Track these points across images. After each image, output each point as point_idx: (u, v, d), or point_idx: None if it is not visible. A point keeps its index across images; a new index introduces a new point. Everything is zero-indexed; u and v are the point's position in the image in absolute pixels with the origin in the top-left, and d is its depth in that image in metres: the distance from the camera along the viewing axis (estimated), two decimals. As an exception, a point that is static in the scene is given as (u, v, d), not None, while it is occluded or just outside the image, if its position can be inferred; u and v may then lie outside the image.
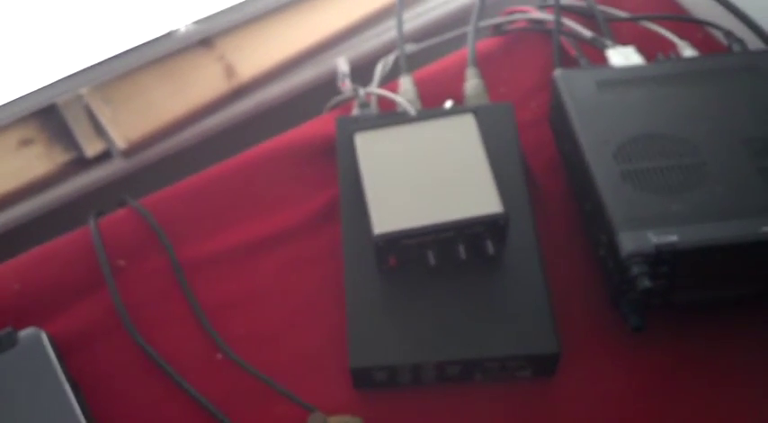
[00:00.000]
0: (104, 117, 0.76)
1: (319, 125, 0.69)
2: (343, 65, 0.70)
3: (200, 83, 0.78)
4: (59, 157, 0.75)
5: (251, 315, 0.61)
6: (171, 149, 0.77)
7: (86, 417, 0.53)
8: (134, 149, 0.76)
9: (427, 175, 0.57)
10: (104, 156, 0.76)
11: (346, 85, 0.69)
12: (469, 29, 0.73)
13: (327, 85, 0.79)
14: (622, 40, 0.70)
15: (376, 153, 0.59)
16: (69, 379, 0.55)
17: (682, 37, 0.69)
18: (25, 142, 0.75)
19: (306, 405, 0.55)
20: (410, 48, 0.73)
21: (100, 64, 0.77)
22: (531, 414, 0.56)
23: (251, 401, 0.57)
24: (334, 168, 0.65)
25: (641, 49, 0.67)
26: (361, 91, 0.67)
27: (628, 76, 0.63)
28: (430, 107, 0.67)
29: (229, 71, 0.79)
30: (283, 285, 0.62)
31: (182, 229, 0.65)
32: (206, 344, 0.59)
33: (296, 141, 0.68)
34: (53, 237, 0.66)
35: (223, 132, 0.79)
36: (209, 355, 0.59)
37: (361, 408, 0.56)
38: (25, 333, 0.56)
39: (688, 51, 0.67)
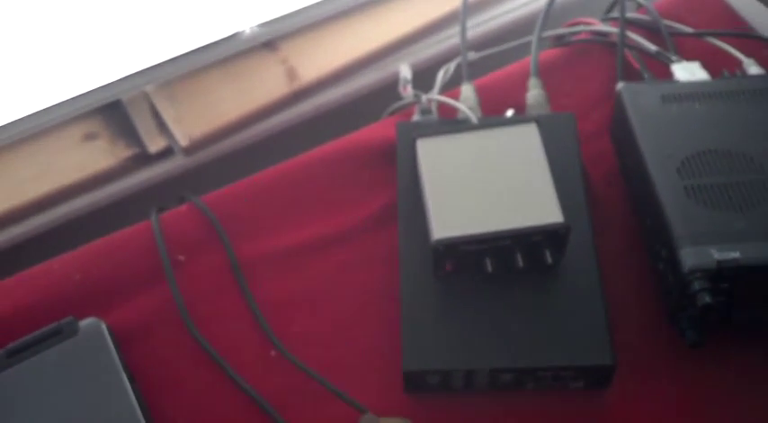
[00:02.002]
0: (168, 115, 0.78)
1: (379, 130, 0.70)
2: (405, 71, 0.70)
3: (263, 84, 0.79)
4: (122, 153, 0.76)
5: (306, 314, 0.61)
6: (231, 149, 0.79)
7: (141, 406, 0.54)
8: (195, 147, 0.77)
9: (488, 183, 0.57)
10: (166, 152, 0.78)
11: (408, 91, 0.70)
12: (533, 38, 0.73)
13: (386, 91, 0.80)
14: (687, 56, 0.69)
15: (437, 159, 0.59)
16: (126, 369, 0.56)
17: (747, 54, 0.68)
18: (89, 136, 0.77)
19: (357, 406, 0.56)
20: (472, 56, 0.74)
21: (165, 63, 0.79)
22: (582, 425, 0.56)
23: (303, 399, 0.57)
24: (393, 172, 0.65)
25: (706, 66, 0.67)
26: (424, 97, 0.67)
27: (693, 91, 0.62)
28: (490, 115, 0.67)
29: (291, 74, 0.80)
30: (338, 286, 0.62)
31: (241, 226, 0.66)
32: (261, 340, 0.60)
33: (355, 145, 0.69)
34: (114, 230, 0.67)
35: (283, 134, 0.80)
36: (264, 352, 0.60)
37: (411, 411, 0.56)
38: (85, 323, 0.58)
39: (753, 68, 0.67)
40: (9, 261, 0.68)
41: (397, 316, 0.57)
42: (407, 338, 0.55)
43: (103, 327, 0.57)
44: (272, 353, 0.59)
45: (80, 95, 0.76)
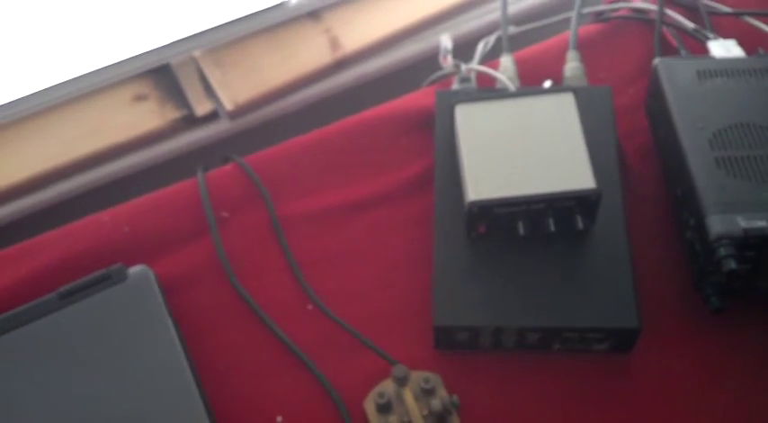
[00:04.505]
0: (214, 79, 0.80)
1: (418, 98, 0.72)
2: (446, 41, 0.72)
3: (306, 53, 0.82)
4: (170, 114, 0.79)
5: (342, 271, 0.64)
6: (274, 114, 0.81)
7: (184, 350, 0.57)
8: (240, 112, 0.80)
9: (524, 148, 0.59)
10: (212, 116, 0.80)
11: (448, 61, 0.72)
12: (573, 14, 0.74)
13: (426, 62, 0.82)
14: (724, 35, 0.70)
15: (475, 124, 0.61)
16: (171, 314, 0.59)
17: (784, 33, 0.69)
18: (139, 97, 0.80)
19: (389, 358, 0.58)
20: (512, 30, 0.75)
21: (213, 29, 0.81)
22: (605, 387, 0.57)
23: (337, 351, 0.60)
24: (430, 139, 0.67)
25: (742, 44, 0.68)
26: (463, 66, 0.69)
27: (728, 68, 0.63)
28: (528, 86, 0.69)
29: (334, 43, 0.82)
30: (374, 246, 0.65)
31: (283, 186, 0.68)
32: (298, 294, 0.63)
33: (395, 112, 0.71)
34: (160, 188, 0.70)
35: (324, 101, 0.82)
36: (301, 305, 0.62)
37: (440, 366, 0.58)
38: (134, 270, 0.61)
39: (790, 47, 0.67)
40: (60, 215, 0.71)
41: (429, 276, 0.60)
42: (439, 295, 0.57)
43: (151, 274, 0.60)
44: (309, 307, 0.62)
45: (131, 58, 0.79)
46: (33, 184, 0.76)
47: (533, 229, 0.58)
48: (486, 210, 0.57)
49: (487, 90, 0.67)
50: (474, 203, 0.57)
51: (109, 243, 0.65)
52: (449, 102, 0.64)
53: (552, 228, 0.57)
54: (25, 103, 0.78)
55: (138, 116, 0.79)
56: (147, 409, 0.55)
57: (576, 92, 0.62)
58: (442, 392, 0.56)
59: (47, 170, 0.76)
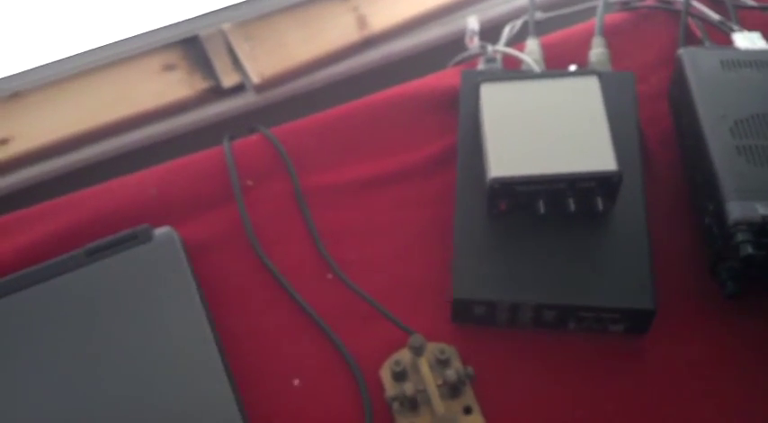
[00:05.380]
0: (242, 52, 0.81)
1: (443, 78, 0.73)
2: (473, 23, 0.73)
3: (333, 31, 0.83)
4: (198, 84, 0.80)
5: (362, 243, 0.65)
6: (300, 90, 0.82)
7: (206, 311, 0.59)
8: (266, 85, 0.81)
9: (547, 129, 0.60)
10: (239, 88, 0.81)
11: (474, 43, 0.73)
12: (599, 1, 0.75)
13: (452, 44, 0.83)
14: (749, 27, 0.71)
15: (499, 103, 0.62)
16: (194, 276, 0.60)
17: (810, 28, 0.70)
18: (168, 67, 0.81)
19: (406, 327, 0.59)
20: (539, 16, 0.76)
21: (242, 3, 0.82)
22: (619, 368, 0.58)
23: (354, 320, 0.61)
24: (453, 119, 0.68)
25: (767, 37, 0.69)
26: (489, 47, 0.70)
27: (751, 59, 0.64)
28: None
29: (361, 22, 0.83)
30: (394, 220, 0.66)
31: (307, 158, 0.69)
32: (319, 263, 0.64)
33: (420, 90, 0.72)
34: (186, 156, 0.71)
35: (350, 79, 0.83)
36: (321, 274, 0.63)
37: (455, 339, 0.59)
38: (160, 231, 0.62)
39: (815, 42, 0.68)
40: (86, 177, 0.72)
41: (449, 251, 0.61)
42: (458, 269, 0.58)
43: (176, 235, 0.62)
44: (329, 276, 0.63)
45: (162, 28, 0.80)
46: (61, 148, 0.78)
47: (553, 209, 0.59)
48: (508, 187, 0.58)
49: (513, 71, 0.68)
50: (496, 180, 0.58)
51: (135, 205, 0.66)
52: (474, 81, 0.64)
53: (572, 208, 0.58)
54: (56, 67, 0.80)
55: (166, 85, 0.80)
56: (168, 367, 0.56)
57: (600, 75, 0.62)
58: (457, 364, 0.57)
59: (75, 134, 0.78)
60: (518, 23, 0.76)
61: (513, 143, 0.59)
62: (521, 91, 0.62)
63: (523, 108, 0.61)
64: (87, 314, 0.58)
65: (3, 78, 0.79)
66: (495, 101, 0.62)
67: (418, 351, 0.56)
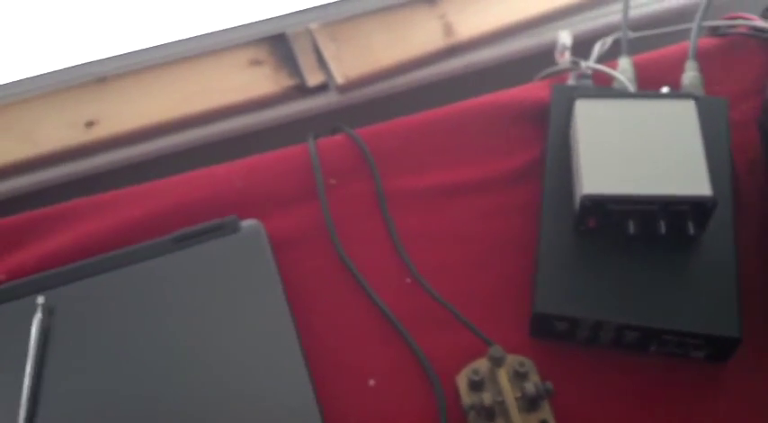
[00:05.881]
0: (328, 52, 0.82)
1: (532, 90, 0.73)
2: (565, 37, 0.73)
3: (419, 36, 0.83)
4: (283, 81, 0.81)
5: (442, 249, 0.65)
6: (382, 92, 0.83)
7: (289, 307, 0.59)
8: (349, 86, 0.81)
9: (642, 149, 0.59)
10: (322, 87, 0.82)
11: (564, 57, 0.72)
12: (693, 25, 0.74)
13: (537, 57, 0.83)
14: None
15: (594, 120, 0.61)
16: (279, 271, 0.61)
17: None
18: (255, 62, 0.82)
19: (485, 338, 0.59)
20: (631, 35, 0.76)
21: (331, 4, 0.83)
22: (698, 395, 0.57)
23: (431, 325, 0.61)
24: (539, 132, 0.68)
25: None
26: (583, 63, 0.69)
27: None
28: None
29: (448, 29, 0.83)
30: (475, 229, 0.66)
31: (389, 161, 0.69)
32: (398, 267, 0.64)
33: (508, 101, 0.72)
34: (266, 151, 0.72)
35: (432, 86, 0.84)
36: (400, 278, 0.64)
37: (532, 354, 0.59)
38: (247, 223, 0.63)
39: None
40: (168, 166, 0.73)
41: (528, 263, 0.61)
42: (542, 282, 0.58)
43: (262, 228, 0.62)
44: (408, 280, 0.63)
45: (251, 23, 0.81)
46: (145, 135, 0.79)
47: (643, 230, 0.58)
48: (599, 204, 0.58)
49: (608, 88, 0.68)
50: (588, 197, 0.57)
51: (221, 196, 0.67)
52: (567, 96, 0.64)
53: (663, 230, 0.58)
54: (145, 55, 0.81)
55: (252, 80, 0.81)
56: (248, 358, 0.57)
57: (696, 99, 0.62)
58: (535, 378, 0.57)
59: (159, 122, 0.79)
60: (609, 40, 0.75)
61: (606, 161, 0.59)
62: (616, 109, 0.62)
63: (619, 127, 0.61)
64: (171, 300, 0.59)
65: (92, 62, 0.81)
66: (590, 117, 0.62)
67: (498, 362, 0.56)
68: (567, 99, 0.64)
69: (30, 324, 0.57)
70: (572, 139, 0.62)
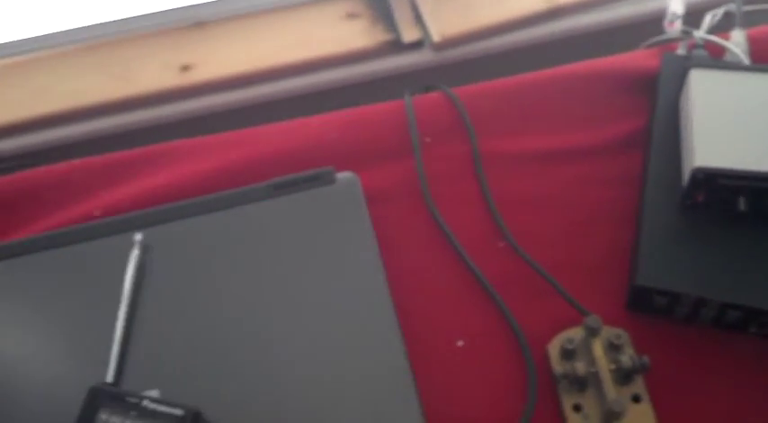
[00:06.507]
0: (425, 9, 0.81)
1: (638, 58, 0.70)
2: (676, 5, 0.70)
3: (520, -2, 0.81)
4: (379, 36, 0.80)
5: (537, 215, 0.63)
6: (478, 52, 0.81)
7: (382, 262, 0.59)
8: (446, 44, 0.80)
9: (759, 124, 0.57)
10: (417, 44, 0.81)
11: (674, 26, 0.70)
12: (813, -1, 0.71)
13: (639, 25, 0.80)
14: None
15: (709, 91, 0.59)
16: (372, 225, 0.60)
17: None
18: (352, 15, 0.81)
19: (581, 308, 0.58)
20: (745, 7, 0.73)
21: (431, -40, 0.81)
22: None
23: (523, 290, 0.60)
24: (644, 101, 0.66)
25: None
26: (696, 33, 0.67)
27: None
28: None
29: (550, -8, 0.81)
30: (572, 196, 0.64)
31: (486, 122, 0.68)
32: (491, 230, 0.63)
33: (613, 68, 0.70)
34: (358, 105, 0.71)
35: (529, 48, 0.82)
36: (492, 241, 0.63)
37: (628, 327, 0.57)
38: (343, 175, 0.62)
39: None
40: (262, 115, 0.73)
41: (627, 236, 0.59)
42: (644, 255, 0.57)
43: (358, 182, 0.61)
44: (500, 244, 0.62)
45: (350, -25, 0.80)
46: (239, 81, 0.79)
47: (753, 207, 0.56)
48: (711, 179, 0.56)
49: (723, 60, 0.65)
50: (699, 170, 0.55)
51: (316, 146, 0.67)
52: (679, 65, 0.62)
53: (775, 210, 0.56)
54: (242, 2, 0.81)
55: (347, 33, 0.80)
56: (339, 310, 0.56)
57: (819, 76, 0.59)
58: (631, 351, 0.56)
59: (254, 70, 0.79)
60: (719, 12, 0.73)
61: (720, 134, 0.57)
62: (732, 82, 0.59)
63: (734, 100, 0.58)
64: (264, 246, 0.59)
65: (190, 6, 0.81)
66: (705, 88, 0.59)
67: (594, 332, 0.55)
68: (678, 68, 0.62)
69: (124, 260, 0.58)
70: (683, 109, 0.60)
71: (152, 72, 0.79)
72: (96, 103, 0.78)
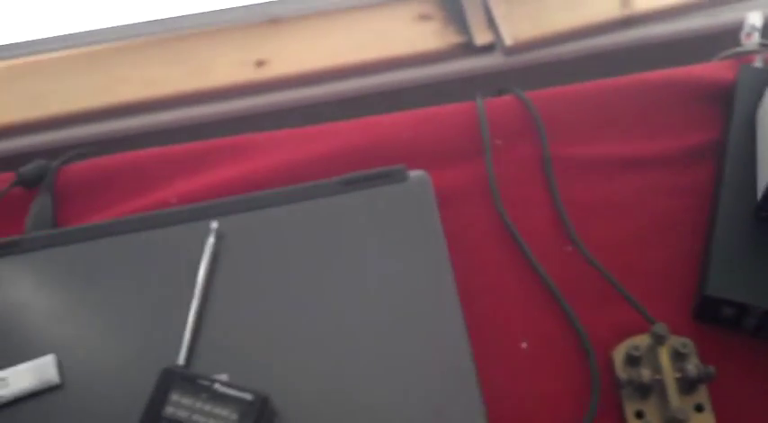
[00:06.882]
0: (498, 13, 0.81)
1: (714, 69, 0.70)
2: (755, 18, 0.70)
3: (596, 4, 0.81)
4: (451, 38, 0.81)
5: (606, 221, 0.63)
6: (551, 57, 0.81)
7: (450, 261, 0.59)
8: (518, 48, 0.80)
9: (839, 138, 0.56)
10: (489, 47, 0.81)
11: (752, 39, 0.69)
12: None
13: (714, 37, 0.80)
14: None
15: (789, 104, 0.59)
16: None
17: None
18: (424, 17, 0.82)
19: (647, 315, 0.58)
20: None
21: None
22: None
23: (589, 295, 0.60)
24: (719, 112, 0.66)
25: None
26: (776, 46, 0.67)
27: None
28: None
29: (625, 0, 0.81)
30: (642, 204, 0.64)
31: (558, 126, 0.68)
32: (559, 233, 0.63)
33: (686, 78, 0.69)
34: (429, 106, 0.72)
35: (602, 55, 0.82)
36: (559, 245, 0.63)
37: (693, 336, 0.57)
38: (415, 173, 0.63)
39: None
40: (333, 112, 0.74)
41: (697, 246, 0.59)
42: (715, 266, 0.56)
43: (429, 181, 0.62)
44: (568, 248, 0.62)
45: (424, -23, 0.81)
46: (312, 78, 0.80)
47: (830, 223, 0.56)
48: (787, 191, 0.55)
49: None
50: (776, 182, 0.55)
51: (388, 145, 0.68)
52: (757, 78, 0.62)
53: None
54: (317, 0, 0.82)
55: (419, 34, 0.81)
56: (407, 308, 0.57)
57: None
58: (696, 360, 0.55)
59: (327, 67, 0.80)
60: (798, 26, 0.72)
61: (799, 147, 0.56)
62: (813, 94, 0.59)
63: (815, 113, 0.58)
64: (335, 240, 0.60)
65: (267, 3, 0.82)
66: (785, 101, 0.59)
67: (661, 340, 0.55)
68: (756, 81, 0.62)
69: (199, 247, 0.59)
70: (759, 122, 0.60)
71: (228, 67, 0.80)
72: (173, 94, 0.80)
